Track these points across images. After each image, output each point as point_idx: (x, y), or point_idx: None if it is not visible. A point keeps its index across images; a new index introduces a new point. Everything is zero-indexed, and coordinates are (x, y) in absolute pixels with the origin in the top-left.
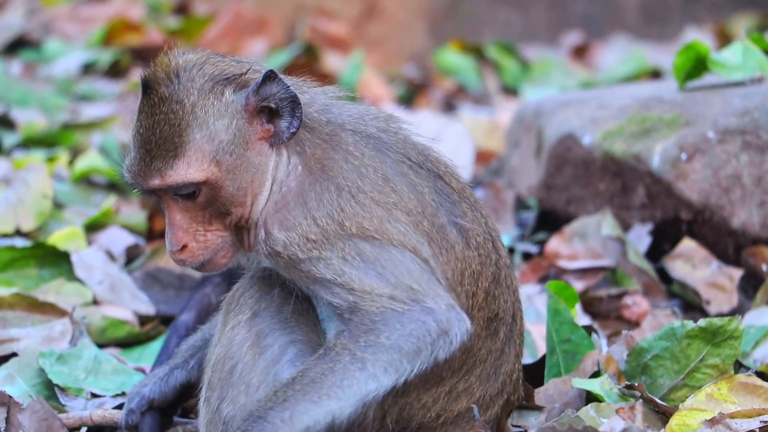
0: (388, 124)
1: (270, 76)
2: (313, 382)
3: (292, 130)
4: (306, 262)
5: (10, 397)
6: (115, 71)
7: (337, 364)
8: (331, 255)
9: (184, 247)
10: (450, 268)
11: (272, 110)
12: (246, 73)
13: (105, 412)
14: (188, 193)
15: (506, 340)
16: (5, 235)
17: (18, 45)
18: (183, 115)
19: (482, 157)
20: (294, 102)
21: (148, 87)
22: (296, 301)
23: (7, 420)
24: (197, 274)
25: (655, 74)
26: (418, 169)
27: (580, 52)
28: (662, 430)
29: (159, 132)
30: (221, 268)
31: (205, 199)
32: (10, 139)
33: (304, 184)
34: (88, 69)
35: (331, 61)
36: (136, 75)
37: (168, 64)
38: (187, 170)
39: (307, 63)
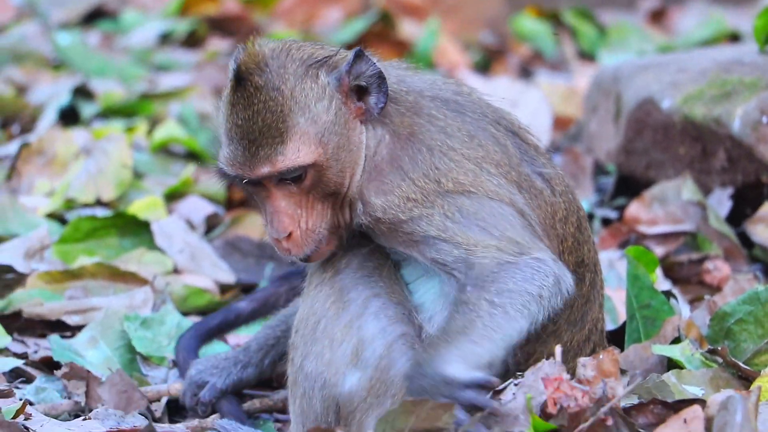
0: (460, 87)
1: (360, 55)
2: (465, 331)
3: (380, 105)
4: (408, 223)
5: (89, 371)
6: (192, 41)
7: (480, 312)
8: (432, 212)
9: (290, 234)
10: (542, 213)
11: (362, 88)
12: (335, 55)
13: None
14: (294, 178)
15: (591, 287)
16: (86, 205)
17: (95, 16)
18: (283, 101)
19: (560, 122)
20: (381, 77)
21: (241, 78)
22: (379, 257)
23: (87, 393)
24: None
25: (734, 38)
26: (496, 125)
27: (657, 17)
28: None
29: (261, 120)
30: (325, 256)
31: (311, 182)
32: (89, 109)
33: (395, 151)
34: (165, 39)
35: (407, 28)
36: (214, 44)
37: (257, 53)
38: (297, 154)
39: (383, 31)
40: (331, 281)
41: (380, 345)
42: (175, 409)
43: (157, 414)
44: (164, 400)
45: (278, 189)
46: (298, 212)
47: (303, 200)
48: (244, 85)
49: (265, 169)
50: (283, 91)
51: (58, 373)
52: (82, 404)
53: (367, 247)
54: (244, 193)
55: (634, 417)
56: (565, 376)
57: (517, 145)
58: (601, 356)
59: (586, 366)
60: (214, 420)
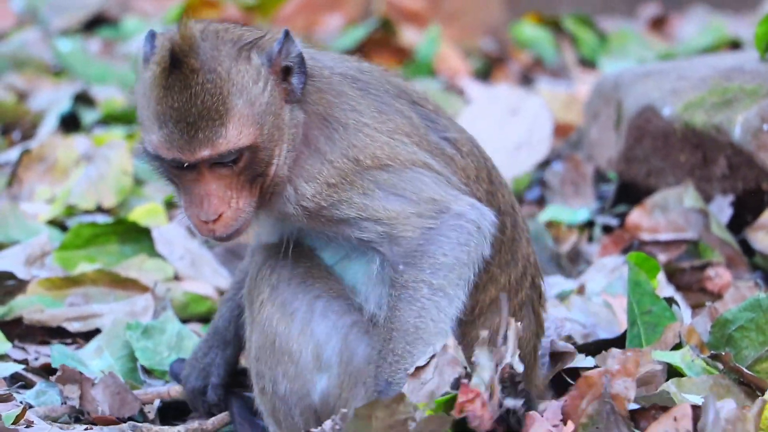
0: (361, 64)
1: (288, 35)
2: (417, 329)
3: (301, 86)
4: (329, 208)
5: (81, 372)
6: None
7: (424, 301)
8: (351, 194)
9: (219, 216)
10: (457, 179)
11: (288, 68)
12: (263, 36)
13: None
14: (230, 160)
15: (513, 227)
16: (87, 212)
17: (96, 22)
18: (221, 83)
19: (561, 130)
20: (302, 57)
21: (176, 60)
22: (305, 259)
23: (81, 395)
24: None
25: (735, 45)
26: (398, 98)
27: (657, 24)
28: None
29: (201, 103)
30: (238, 237)
31: (244, 164)
32: (90, 116)
33: (311, 131)
34: None
35: (408, 35)
36: None
37: (190, 35)
38: (238, 136)
39: (384, 38)
40: (271, 299)
41: (336, 341)
42: (175, 414)
43: (150, 416)
44: (157, 402)
45: (210, 171)
46: (227, 194)
47: (233, 181)
48: (180, 67)
49: (205, 152)
50: (220, 73)
51: (53, 377)
52: (77, 407)
53: (286, 251)
54: (161, 176)
55: (636, 421)
56: (483, 392)
57: (420, 114)
58: (630, 353)
59: (614, 358)
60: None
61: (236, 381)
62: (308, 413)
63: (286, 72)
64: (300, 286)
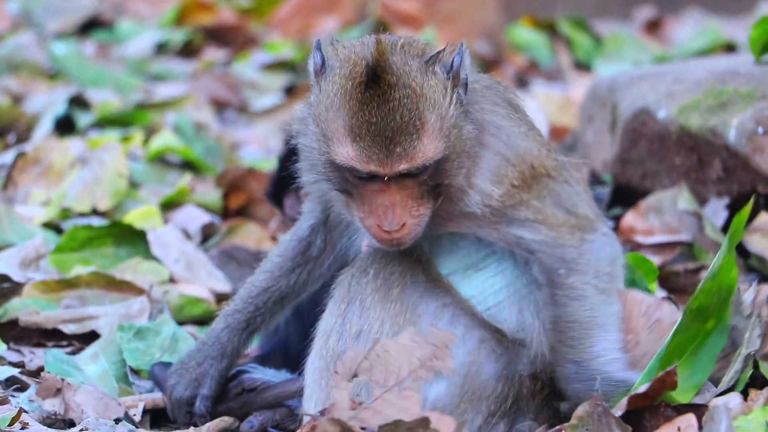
0: (487, 77)
1: (464, 48)
2: (592, 319)
3: (464, 98)
4: (511, 209)
5: (63, 379)
6: (188, 51)
7: (593, 299)
8: (530, 197)
9: (403, 225)
10: (583, 186)
11: (463, 81)
12: (442, 51)
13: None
14: (417, 173)
15: None
16: (82, 214)
17: (91, 25)
18: (417, 98)
19: (556, 132)
20: (466, 76)
21: (375, 75)
22: (425, 267)
23: (64, 402)
24: None
25: (730, 48)
26: (524, 114)
27: (652, 27)
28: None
29: (399, 117)
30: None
31: (429, 175)
32: (85, 119)
33: (486, 138)
34: (160, 49)
35: None
36: (210, 54)
37: (384, 50)
38: (432, 150)
39: None
40: (399, 298)
41: (463, 353)
42: (166, 418)
43: (137, 419)
44: (141, 405)
45: (396, 183)
46: (410, 204)
47: (416, 192)
48: (378, 83)
49: (403, 166)
50: (414, 88)
51: (30, 391)
52: (61, 413)
53: (418, 259)
54: (335, 186)
55: (647, 419)
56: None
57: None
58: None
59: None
60: (208, 427)
61: (224, 394)
62: None
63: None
64: (428, 291)
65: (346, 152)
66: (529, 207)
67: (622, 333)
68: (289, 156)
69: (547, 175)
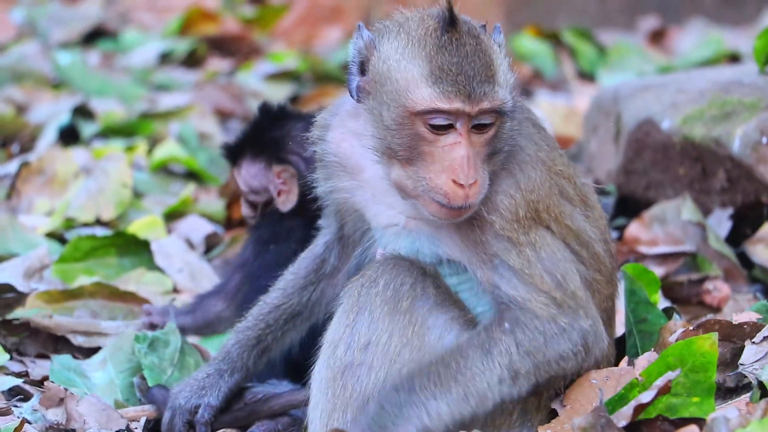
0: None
1: (498, 29)
2: (462, 369)
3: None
4: (504, 242)
5: (66, 389)
6: (192, 60)
7: (494, 365)
8: (525, 240)
9: (475, 182)
10: (598, 229)
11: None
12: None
13: None
14: (485, 125)
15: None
16: (86, 224)
17: (96, 35)
18: (487, 47)
19: (560, 142)
20: None
21: (453, 20)
22: (434, 279)
23: (66, 412)
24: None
25: (734, 58)
26: (545, 132)
27: (656, 37)
28: None
29: (479, 59)
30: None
31: (493, 133)
32: (89, 128)
33: (506, 160)
34: (165, 58)
35: None
36: (214, 64)
37: (450, 4)
38: (506, 95)
39: None
40: (409, 311)
41: None
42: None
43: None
44: (143, 420)
45: (469, 135)
46: (478, 162)
47: (482, 152)
48: (455, 26)
49: (485, 103)
50: (482, 39)
51: (34, 401)
52: (63, 424)
53: (428, 271)
54: (403, 143)
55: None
56: None
57: (564, 154)
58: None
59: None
60: None
61: (228, 409)
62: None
63: None
64: (437, 306)
65: (429, 94)
66: (521, 254)
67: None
68: (267, 122)
69: (546, 226)
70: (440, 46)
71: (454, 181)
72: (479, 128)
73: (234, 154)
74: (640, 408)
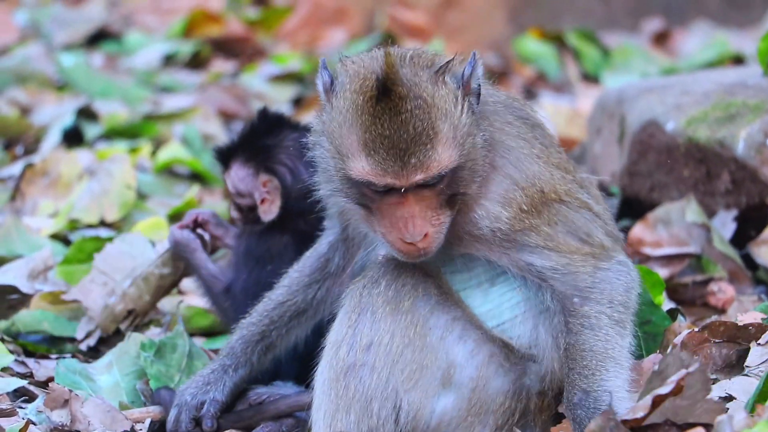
0: (506, 93)
1: (478, 58)
2: (606, 350)
3: (477, 106)
4: (520, 233)
5: (71, 391)
6: (196, 62)
7: (607, 329)
8: (539, 222)
9: (425, 235)
10: (605, 212)
11: (475, 90)
12: (450, 60)
13: None
14: (434, 182)
15: None
16: (90, 226)
17: (99, 37)
18: (428, 108)
19: (564, 144)
20: (479, 85)
21: (386, 89)
22: (436, 280)
23: (71, 413)
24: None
25: (738, 60)
26: (542, 130)
27: (661, 39)
28: None
29: (412, 128)
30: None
31: (446, 184)
32: (93, 130)
33: (496, 158)
34: (168, 60)
35: None
36: (218, 66)
37: (393, 63)
38: (447, 159)
39: None
40: (411, 310)
41: (472, 367)
42: None
43: None
44: (148, 421)
45: (414, 194)
46: (429, 213)
47: (434, 201)
48: (388, 95)
49: (419, 176)
50: (425, 98)
51: (38, 402)
52: (68, 425)
53: (429, 272)
54: (354, 202)
55: None
56: None
57: (562, 151)
58: None
59: None
60: None
61: (232, 408)
62: (394, 416)
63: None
64: (439, 305)
65: (362, 167)
66: (539, 233)
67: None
68: (265, 128)
69: (559, 200)
70: (374, 116)
71: (402, 239)
72: (427, 185)
73: (226, 155)
74: (659, 400)
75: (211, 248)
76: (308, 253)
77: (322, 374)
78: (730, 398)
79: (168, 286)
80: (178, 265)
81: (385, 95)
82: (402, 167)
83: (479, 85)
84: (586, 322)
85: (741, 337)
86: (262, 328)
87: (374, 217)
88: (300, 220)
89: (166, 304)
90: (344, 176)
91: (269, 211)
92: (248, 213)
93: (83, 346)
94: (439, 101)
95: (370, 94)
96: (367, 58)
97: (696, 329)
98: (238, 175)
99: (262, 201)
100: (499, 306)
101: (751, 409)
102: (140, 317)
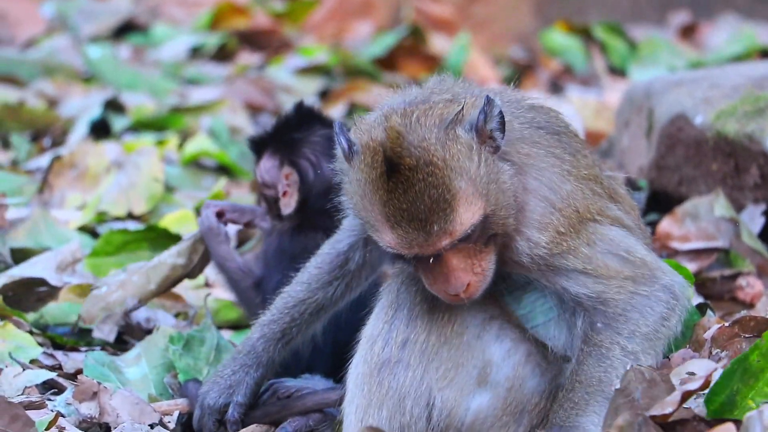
0: (525, 99)
1: (490, 102)
2: (600, 382)
3: (502, 141)
4: (558, 257)
5: (99, 383)
6: (222, 55)
7: (613, 359)
8: (578, 244)
9: (468, 285)
10: (633, 217)
11: (491, 130)
12: (462, 108)
13: None
14: (464, 239)
15: None
16: (118, 218)
17: (126, 29)
18: (441, 172)
19: (591, 138)
20: (503, 117)
21: (393, 164)
22: None
23: (99, 406)
24: None
25: (765, 54)
26: (567, 136)
27: (688, 32)
28: None
29: (428, 198)
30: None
31: (479, 233)
32: (120, 122)
33: (529, 182)
34: (195, 53)
35: (437, 42)
36: (244, 58)
37: (397, 133)
38: (471, 216)
39: (413, 45)
40: (448, 308)
41: (508, 366)
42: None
43: (170, 426)
44: (176, 413)
45: (449, 251)
46: (469, 263)
47: (472, 251)
48: (398, 169)
49: (445, 242)
50: (436, 163)
51: (67, 395)
52: (96, 417)
53: None
54: (407, 266)
55: (678, 431)
56: None
57: (589, 152)
58: None
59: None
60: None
61: (256, 404)
62: (427, 413)
63: (491, 133)
64: (476, 303)
65: (389, 239)
66: (578, 255)
67: None
68: (296, 121)
69: (593, 220)
70: (389, 191)
71: (446, 292)
72: (466, 237)
73: (258, 145)
74: (687, 395)
75: (238, 241)
76: (326, 249)
77: (356, 368)
78: None
79: (177, 278)
80: (193, 258)
81: (395, 170)
82: (426, 237)
83: (499, 122)
84: (594, 351)
85: None
86: (282, 326)
87: (416, 271)
88: (326, 218)
89: (193, 297)
90: (375, 242)
91: (288, 205)
92: (273, 205)
93: (106, 336)
94: (451, 161)
95: (380, 171)
96: (375, 125)
97: (726, 324)
98: (266, 166)
99: (284, 194)
100: (533, 311)
101: None
102: (141, 305)
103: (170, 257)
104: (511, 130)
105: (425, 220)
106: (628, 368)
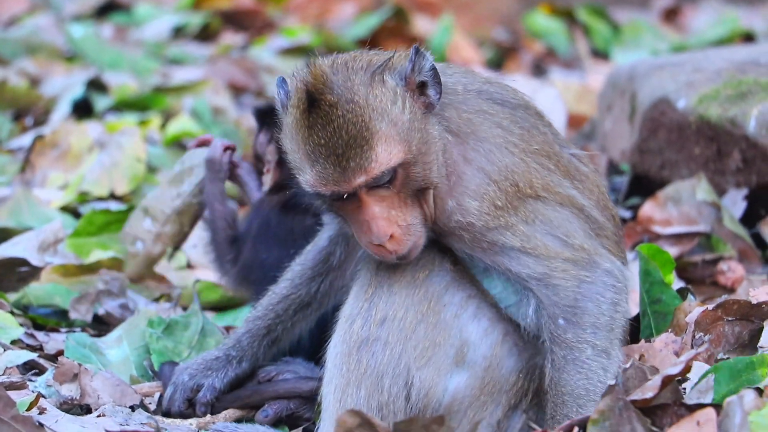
0: (485, 76)
1: (418, 51)
2: (587, 392)
3: (437, 97)
4: (494, 231)
5: (80, 364)
6: (205, 35)
7: (590, 363)
8: (516, 220)
9: (391, 236)
10: (594, 197)
11: (423, 83)
12: (391, 57)
13: None
14: (386, 181)
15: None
16: (100, 198)
17: (108, 8)
18: (360, 110)
19: (574, 121)
20: (435, 70)
21: (313, 99)
22: (460, 262)
23: (80, 387)
24: None
25: (748, 38)
26: (526, 110)
27: (671, 15)
28: None
29: (345, 134)
30: (417, 253)
31: (401, 181)
32: (102, 102)
33: (466, 151)
34: (178, 32)
35: (420, 24)
36: (227, 38)
37: (320, 73)
38: (388, 157)
39: (396, 27)
40: (425, 284)
41: (486, 346)
42: None
43: (151, 408)
44: (157, 395)
45: (370, 196)
46: (392, 213)
47: (395, 200)
48: (318, 105)
49: (360, 179)
50: (357, 101)
51: (48, 376)
52: (77, 399)
53: (447, 255)
54: (327, 211)
55: (659, 416)
56: None
57: (548, 129)
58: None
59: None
60: (225, 414)
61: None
62: (405, 393)
63: (422, 86)
64: (454, 282)
65: (308, 178)
66: (516, 232)
67: None
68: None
69: (536, 196)
70: (309, 127)
71: (371, 242)
72: (385, 183)
73: (262, 117)
74: (668, 379)
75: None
76: (309, 247)
77: (334, 348)
78: None
79: (200, 212)
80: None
81: (315, 106)
82: (342, 173)
83: (433, 77)
84: (570, 355)
85: (754, 316)
86: (267, 323)
87: (345, 222)
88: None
89: (175, 277)
90: (302, 189)
91: (266, 182)
92: (260, 178)
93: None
94: (374, 102)
95: (302, 107)
96: (306, 71)
97: (709, 307)
98: (260, 139)
99: (267, 170)
100: (505, 290)
101: (761, 390)
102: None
103: (194, 197)
104: (453, 93)
105: (342, 155)
106: (606, 366)
